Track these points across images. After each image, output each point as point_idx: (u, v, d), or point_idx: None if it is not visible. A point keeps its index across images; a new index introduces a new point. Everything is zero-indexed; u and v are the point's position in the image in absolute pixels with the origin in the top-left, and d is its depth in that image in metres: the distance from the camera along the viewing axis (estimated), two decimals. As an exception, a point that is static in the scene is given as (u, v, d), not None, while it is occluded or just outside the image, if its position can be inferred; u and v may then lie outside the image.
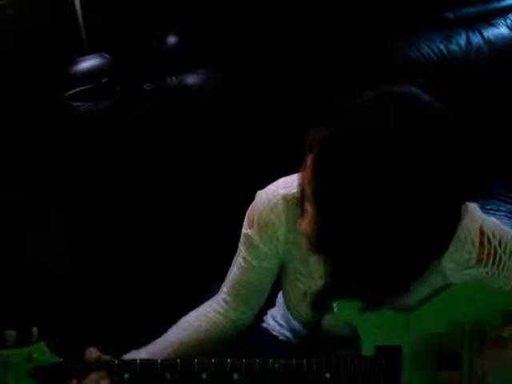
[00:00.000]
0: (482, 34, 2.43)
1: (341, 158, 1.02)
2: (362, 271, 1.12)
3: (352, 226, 1.04)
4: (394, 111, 1.02)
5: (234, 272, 1.39)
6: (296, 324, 1.48)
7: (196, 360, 1.23)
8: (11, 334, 1.19)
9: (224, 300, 1.42)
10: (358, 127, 1.03)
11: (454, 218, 1.10)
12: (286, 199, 1.28)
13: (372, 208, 1.01)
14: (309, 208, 1.11)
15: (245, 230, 1.36)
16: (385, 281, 1.14)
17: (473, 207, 1.27)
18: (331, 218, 1.07)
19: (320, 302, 1.34)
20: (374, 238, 1.04)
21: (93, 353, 1.24)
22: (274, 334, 1.56)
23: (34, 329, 1.21)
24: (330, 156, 1.04)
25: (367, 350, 1.28)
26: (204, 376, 1.22)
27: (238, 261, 1.38)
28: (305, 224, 1.14)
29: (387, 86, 1.09)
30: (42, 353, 1.21)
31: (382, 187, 1.00)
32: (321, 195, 1.08)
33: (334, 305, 1.29)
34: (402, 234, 1.04)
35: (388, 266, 1.09)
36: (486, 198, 2.30)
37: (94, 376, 1.21)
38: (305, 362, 1.25)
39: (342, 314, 1.29)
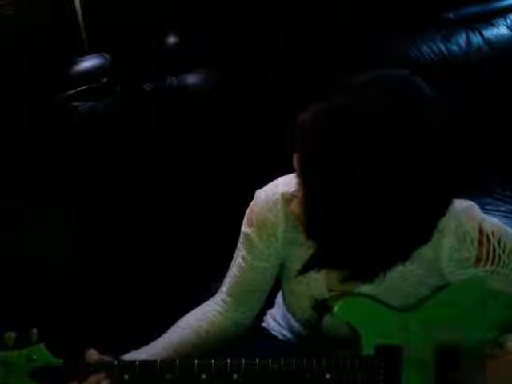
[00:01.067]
0: (481, 34, 2.44)
1: (326, 144, 1.03)
2: (347, 254, 1.12)
3: (337, 211, 1.05)
4: (384, 95, 1.02)
5: (233, 272, 1.39)
6: (296, 324, 1.48)
7: (195, 361, 1.23)
8: (11, 335, 1.19)
9: (223, 300, 1.42)
10: (345, 109, 1.03)
11: (439, 207, 1.10)
12: (284, 198, 1.28)
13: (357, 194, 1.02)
14: (300, 190, 1.13)
15: (244, 229, 1.35)
16: (366, 263, 1.15)
17: (472, 206, 1.27)
18: (317, 201, 1.08)
19: (320, 302, 1.34)
20: (358, 223, 1.05)
21: (93, 354, 1.24)
22: (274, 334, 1.56)
23: (34, 330, 1.21)
24: (316, 142, 1.05)
25: (367, 350, 1.28)
26: (203, 377, 1.22)
27: (238, 260, 1.38)
28: (295, 204, 1.15)
29: (382, 70, 1.09)
30: (41, 354, 1.21)
31: (366, 175, 1.01)
32: (307, 179, 1.09)
33: (335, 305, 1.29)
34: (385, 221, 1.04)
35: (370, 250, 1.10)
36: (486, 197, 2.30)
37: (94, 378, 1.21)
38: (304, 362, 1.25)
39: (342, 313, 1.29)
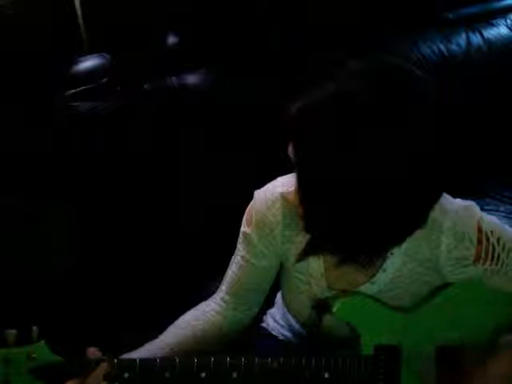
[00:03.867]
0: (482, 34, 2.43)
1: (316, 125, 1.04)
2: (343, 236, 1.12)
3: (332, 193, 1.05)
4: (370, 81, 1.03)
5: (232, 271, 1.39)
6: (295, 324, 1.48)
7: (195, 359, 1.23)
8: (12, 332, 1.20)
9: (222, 299, 1.41)
10: (335, 92, 1.04)
11: (432, 190, 1.10)
12: (283, 197, 1.28)
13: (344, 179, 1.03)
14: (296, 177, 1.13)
15: (243, 228, 1.36)
16: (362, 245, 1.15)
17: (471, 205, 1.27)
18: (311, 184, 1.09)
19: (320, 302, 1.34)
20: (353, 203, 1.05)
21: (93, 353, 1.24)
22: (274, 333, 1.56)
23: (35, 328, 1.21)
24: (306, 124, 1.06)
25: (366, 350, 1.28)
26: (203, 375, 1.23)
27: (237, 259, 1.38)
28: (293, 194, 1.16)
29: (374, 58, 1.09)
30: (42, 352, 1.21)
31: (353, 159, 1.01)
32: (300, 163, 1.09)
33: (334, 304, 1.29)
34: (380, 200, 1.04)
35: (364, 231, 1.09)
36: (484, 198, 2.30)
37: (94, 375, 1.21)
38: (303, 361, 1.25)
39: (341, 313, 1.30)
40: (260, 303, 1.44)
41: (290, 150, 1.10)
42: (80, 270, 1.90)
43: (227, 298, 1.41)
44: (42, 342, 1.22)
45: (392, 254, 1.25)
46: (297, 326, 1.48)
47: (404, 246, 1.22)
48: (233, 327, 1.42)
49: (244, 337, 1.46)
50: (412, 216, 1.10)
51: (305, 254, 1.27)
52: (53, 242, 1.89)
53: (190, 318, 1.41)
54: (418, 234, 1.17)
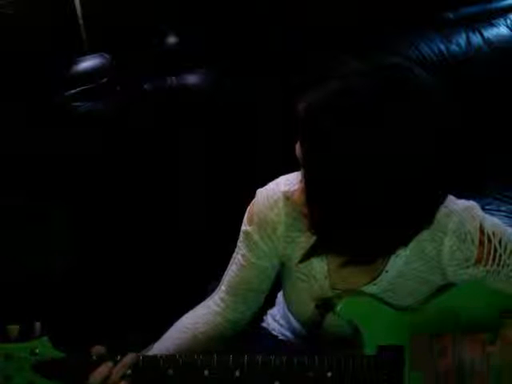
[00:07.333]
0: (482, 34, 2.44)
1: (319, 124, 1.04)
2: (349, 237, 1.12)
3: (340, 193, 1.05)
4: (380, 84, 1.03)
5: (232, 270, 1.38)
6: (296, 323, 1.47)
7: (199, 356, 1.23)
8: (14, 328, 1.19)
9: (221, 299, 1.40)
10: (338, 91, 1.04)
11: (438, 192, 1.10)
12: (286, 197, 1.28)
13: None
14: (303, 177, 1.12)
15: (244, 227, 1.35)
16: (368, 247, 1.14)
17: (473, 206, 1.27)
18: (319, 185, 1.08)
19: (323, 301, 1.34)
20: (361, 204, 1.04)
21: (98, 349, 1.24)
22: (274, 333, 1.55)
23: (37, 323, 1.21)
24: (311, 123, 1.05)
25: (369, 350, 1.28)
26: (206, 373, 1.22)
27: (237, 258, 1.37)
28: (298, 194, 1.15)
29: (377, 57, 1.10)
30: (45, 347, 1.21)
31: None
32: (309, 164, 1.09)
33: (337, 303, 1.29)
34: (388, 201, 1.04)
35: (371, 232, 1.09)
36: (486, 198, 2.30)
37: (97, 372, 1.21)
38: (306, 360, 1.24)
39: (344, 312, 1.29)
40: (259, 304, 1.43)
41: (297, 148, 1.10)
42: (79, 270, 1.90)
43: (226, 297, 1.39)
44: (45, 337, 1.22)
45: (397, 255, 1.25)
46: (298, 325, 1.47)
47: (409, 246, 1.22)
48: (231, 327, 1.40)
49: (244, 337, 1.46)
50: (418, 216, 1.10)
51: (310, 255, 1.27)
52: (53, 242, 1.89)
53: (189, 320, 1.40)
54: (422, 234, 1.17)
